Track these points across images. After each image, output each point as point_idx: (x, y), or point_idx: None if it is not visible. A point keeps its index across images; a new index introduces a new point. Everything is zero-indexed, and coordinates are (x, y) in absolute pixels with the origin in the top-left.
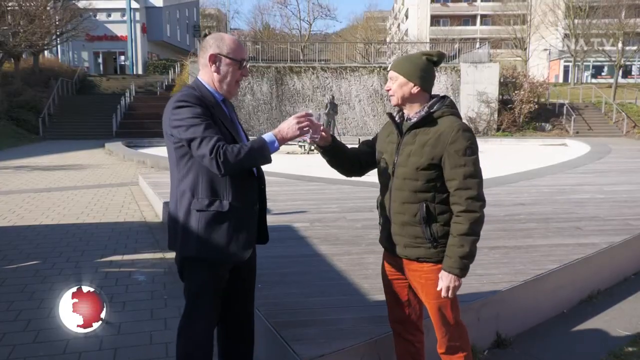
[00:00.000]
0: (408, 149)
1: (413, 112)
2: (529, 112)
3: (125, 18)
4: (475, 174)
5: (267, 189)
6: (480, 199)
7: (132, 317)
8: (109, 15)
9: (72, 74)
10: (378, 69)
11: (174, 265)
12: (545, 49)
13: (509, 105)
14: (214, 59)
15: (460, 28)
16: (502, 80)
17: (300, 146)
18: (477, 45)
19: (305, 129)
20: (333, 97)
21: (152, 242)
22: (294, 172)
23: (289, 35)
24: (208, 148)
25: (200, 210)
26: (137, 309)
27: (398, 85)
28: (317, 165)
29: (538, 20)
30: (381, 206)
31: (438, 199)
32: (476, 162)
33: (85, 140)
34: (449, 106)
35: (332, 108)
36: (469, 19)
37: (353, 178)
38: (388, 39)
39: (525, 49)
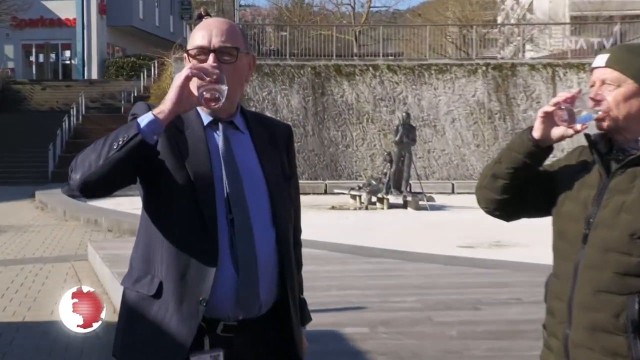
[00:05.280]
0: (618, 199)
1: (630, 138)
2: None
3: None
4: None
5: None
6: None
7: None
8: None
9: None
10: (484, 67)
11: None
12: None
13: None
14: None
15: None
16: None
17: (354, 197)
18: None
19: (189, 75)
20: (408, 115)
21: (106, 357)
22: (343, 240)
23: (335, 15)
24: None
25: (127, 287)
26: None
27: (622, 95)
28: (383, 229)
29: None
30: (553, 294)
31: None
32: None
33: (5, 186)
34: None
35: (407, 133)
36: None
37: (442, 251)
38: (500, 19)
39: None
